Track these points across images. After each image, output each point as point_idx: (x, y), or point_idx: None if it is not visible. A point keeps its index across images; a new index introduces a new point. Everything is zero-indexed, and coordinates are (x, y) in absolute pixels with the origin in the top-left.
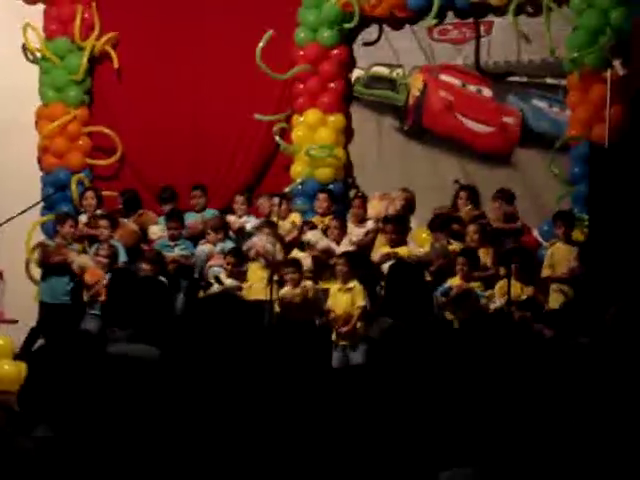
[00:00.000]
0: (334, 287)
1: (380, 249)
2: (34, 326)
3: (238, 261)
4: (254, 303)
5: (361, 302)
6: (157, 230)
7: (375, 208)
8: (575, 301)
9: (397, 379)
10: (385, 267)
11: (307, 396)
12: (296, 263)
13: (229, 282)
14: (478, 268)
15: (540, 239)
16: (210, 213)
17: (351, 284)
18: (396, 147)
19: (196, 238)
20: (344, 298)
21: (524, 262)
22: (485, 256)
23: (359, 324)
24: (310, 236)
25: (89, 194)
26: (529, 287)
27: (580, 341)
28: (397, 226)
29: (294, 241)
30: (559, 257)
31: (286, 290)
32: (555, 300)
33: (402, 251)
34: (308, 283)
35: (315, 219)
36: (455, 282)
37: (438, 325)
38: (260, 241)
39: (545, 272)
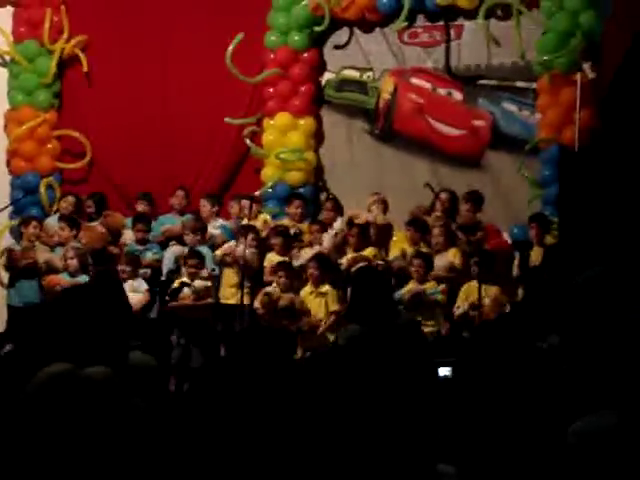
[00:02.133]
0: (306, 290)
1: (347, 254)
2: (1, 332)
3: (199, 263)
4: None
5: (334, 307)
6: (132, 235)
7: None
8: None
9: (364, 388)
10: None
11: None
12: (286, 265)
13: (198, 284)
14: (432, 270)
15: (510, 241)
16: (188, 216)
17: (324, 288)
18: (367, 150)
19: (168, 242)
20: (316, 302)
21: (486, 263)
22: (454, 257)
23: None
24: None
25: (69, 199)
26: (492, 288)
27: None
28: (362, 230)
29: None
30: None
31: (272, 289)
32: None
33: (367, 253)
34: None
35: (286, 221)
36: (409, 287)
37: (406, 331)
38: (240, 249)
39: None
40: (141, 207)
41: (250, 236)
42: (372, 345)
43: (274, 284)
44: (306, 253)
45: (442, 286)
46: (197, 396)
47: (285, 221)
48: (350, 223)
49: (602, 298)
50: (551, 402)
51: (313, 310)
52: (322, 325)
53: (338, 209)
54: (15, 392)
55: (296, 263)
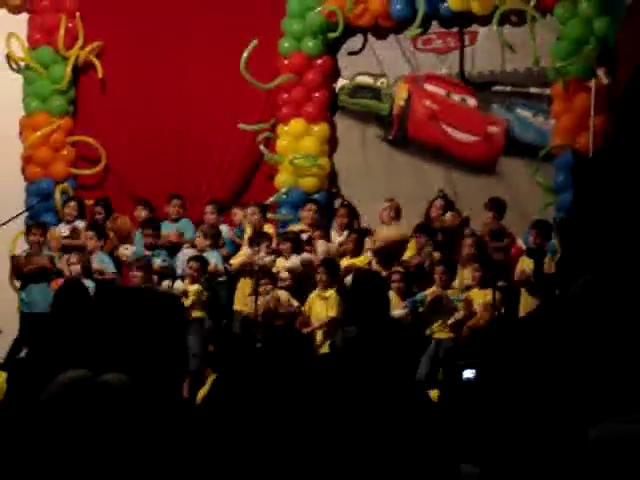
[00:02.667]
0: (314, 292)
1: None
2: (17, 337)
3: (202, 267)
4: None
5: (332, 312)
6: (128, 252)
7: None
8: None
9: (359, 389)
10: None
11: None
12: (268, 273)
13: (194, 288)
14: (455, 277)
15: (524, 248)
16: (184, 223)
17: (328, 293)
18: (380, 156)
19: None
20: (319, 305)
21: (489, 268)
22: (471, 272)
23: (320, 333)
24: (289, 265)
25: (72, 204)
26: (486, 293)
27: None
28: (359, 237)
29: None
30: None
31: (260, 301)
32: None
33: (359, 261)
34: (280, 292)
35: (294, 227)
36: (432, 289)
37: (400, 333)
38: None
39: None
40: (142, 213)
41: (265, 244)
42: (369, 347)
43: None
44: (292, 263)
45: (465, 294)
46: (215, 403)
47: (293, 226)
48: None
49: (594, 306)
50: (573, 404)
51: (316, 313)
52: (313, 326)
53: (352, 215)
54: (30, 397)
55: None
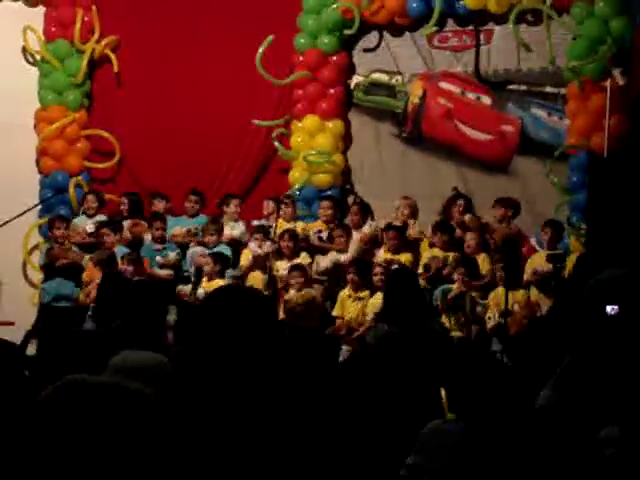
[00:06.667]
0: (344, 293)
1: (382, 255)
2: (29, 329)
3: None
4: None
5: (375, 311)
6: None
7: None
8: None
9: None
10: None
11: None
12: (301, 268)
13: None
14: (477, 277)
15: (538, 247)
16: (201, 220)
17: (362, 293)
18: (395, 154)
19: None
20: (354, 306)
21: (512, 268)
22: (482, 262)
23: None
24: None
25: (90, 197)
26: (519, 293)
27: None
28: (398, 233)
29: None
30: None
31: (290, 295)
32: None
33: (403, 258)
34: (313, 290)
35: (311, 225)
36: (455, 286)
37: (434, 334)
38: (253, 249)
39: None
40: (159, 206)
41: (259, 235)
42: (401, 346)
43: (291, 290)
44: (322, 260)
45: (487, 301)
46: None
47: (311, 224)
48: (387, 226)
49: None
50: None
51: (351, 314)
52: (361, 328)
53: (365, 213)
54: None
55: (318, 268)
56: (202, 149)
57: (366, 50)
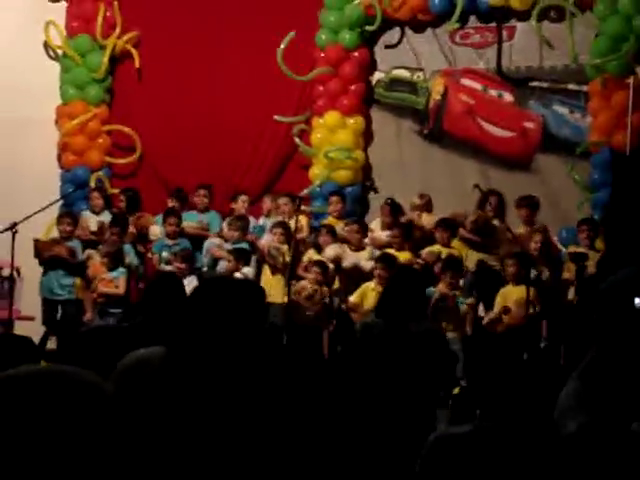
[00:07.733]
0: (368, 285)
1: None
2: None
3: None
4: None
5: None
6: (157, 231)
7: None
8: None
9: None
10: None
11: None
12: (322, 265)
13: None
14: (462, 277)
15: (559, 245)
16: (212, 215)
17: None
18: (416, 150)
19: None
20: (375, 298)
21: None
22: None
23: None
24: (331, 252)
25: (95, 195)
26: (520, 290)
27: None
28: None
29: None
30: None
31: (300, 284)
32: None
33: (402, 257)
34: (323, 289)
35: (330, 220)
36: (439, 287)
37: (426, 332)
38: (267, 242)
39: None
40: (175, 204)
41: (279, 230)
42: (382, 339)
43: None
44: (333, 250)
45: (471, 299)
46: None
47: (329, 220)
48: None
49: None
50: None
51: (370, 306)
52: None
53: (396, 213)
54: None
55: (346, 264)
56: (223, 145)
57: (388, 46)
